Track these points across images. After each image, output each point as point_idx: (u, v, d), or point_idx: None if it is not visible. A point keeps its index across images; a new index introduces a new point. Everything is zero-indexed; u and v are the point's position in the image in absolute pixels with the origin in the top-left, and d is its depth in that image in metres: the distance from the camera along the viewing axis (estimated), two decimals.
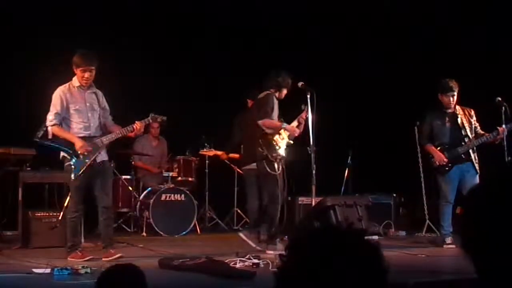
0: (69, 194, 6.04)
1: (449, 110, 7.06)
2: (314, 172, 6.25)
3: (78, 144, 5.85)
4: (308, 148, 6.41)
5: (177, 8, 9.45)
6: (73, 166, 5.81)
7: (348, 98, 9.60)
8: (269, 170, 6.47)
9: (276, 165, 6.46)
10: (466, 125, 7.01)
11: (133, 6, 9.23)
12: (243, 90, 8.04)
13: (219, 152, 8.81)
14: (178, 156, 9.07)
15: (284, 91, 6.69)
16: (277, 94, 6.66)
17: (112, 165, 8.79)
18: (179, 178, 8.93)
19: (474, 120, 7.05)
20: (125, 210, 8.93)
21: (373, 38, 9.65)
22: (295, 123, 6.78)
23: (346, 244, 1.20)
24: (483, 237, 1.13)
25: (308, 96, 6.36)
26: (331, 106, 7.67)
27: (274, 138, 6.52)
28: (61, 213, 6.75)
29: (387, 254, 1.23)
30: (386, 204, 8.70)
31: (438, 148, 7.07)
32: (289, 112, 7.56)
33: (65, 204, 6.69)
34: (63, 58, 6.80)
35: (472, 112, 7.07)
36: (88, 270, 4.98)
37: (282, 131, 6.57)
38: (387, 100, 9.47)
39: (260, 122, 6.51)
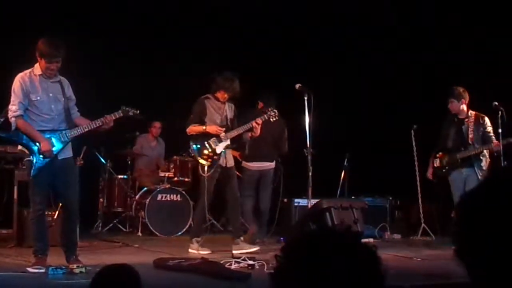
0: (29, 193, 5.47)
1: (460, 116, 7.18)
2: (310, 174, 6.25)
3: (45, 146, 5.28)
4: (304, 150, 6.41)
5: (176, 7, 9.45)
6: (35, 162, 5.27)
7: (345, 100, 9.61)
8: (200, 171, 6.64)
9: (206, 168, 6.56)
10: (471, 132, 7.08)
11: (133, 6, 9.23)
12: (242, 92, 8.05)
13: None
14: (175, 157, 9.06)
15: (219, 93, 6.71)
16: (218, 96, 6.71)
17: (108, 165, 8.82)
18: (175, 179, 8.92)
19: (484, 128, 7.06)
20: (120, 209, 8.92)
21: (372, 40, 9.66)
22: (246, 126, 6.74)
23: (343, 247, 1.20)
24: (474, 243, 1.12)
25: (306, 98, 6.36)
26: (328, 108, 7.69)
27: (206, 141, 6.60)
28: (56, 211, 6.74)
29: (382, 257, 1.23)
30: (382, 207, 8.71)
31: (440, 153, 7.32)
32: (287, 113, 7.57)
33: (60, 204, 6.67)
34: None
35: (485, 120, 7.09)
36: (83, 270, 4.98)
37: (221, 135, 6.62)
38: (384, 103, 9.48)
39: (187, 130, 6.69)
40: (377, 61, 9.56)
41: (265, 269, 5.22)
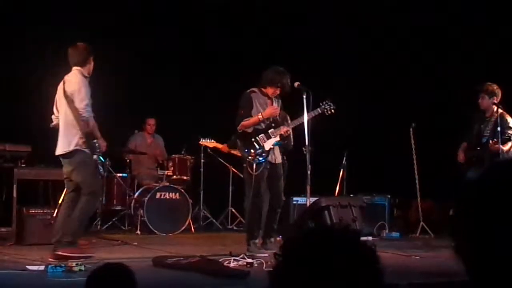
0: (89, 192, 5.77)
1: (486, 114, 6.99)
2: (309, 172, 6.24)
3: (104, 142, 5.84)
4: (303, 148, 6.39)
5: (173, 5, 9.45)
6: (99, 162, 5.85)
7: (344, 98, 9.59)
8: (249, 169, 6.34)
9: (255, 166, 6.27)
10: (488, 131, 6.91)
11: (132, 6, 9.23)
12: (241, 90, 8.05)
13: (219, 145, 8.75)
14: (174, 155, 9.07)
15: (270, 88, 6.41)
16: (267, 91, 6.42)
17: (107, 163, 8.82)
18: (174, 177, 8.92)
19: (502, 127, 6.77)
20: (119, 208, 8.92)
21: (371, 39, 9.66)
22: (297, 121, 6.46)
23: (342, 245, 1.20)
24: (474, 240, 1.12)
25: (304, 96, 6.34)
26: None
27: (254, 139, 6.37)
28: (56, 210, 6.74)
29: (381, 255, 1.24)
30: (381, 205, 8.71)
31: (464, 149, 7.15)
32: (286, 111, 7.56)
33: (60, 201, 6.67)
34: (55, 54, 6.83)
35: (505, 119, 6.85)
36: (82, 268, 4.98)
37: (270, 131, 6.42)
38: (383, 101, 9.49)
39: (238, 128, 6.38)
40: (376, 59, 9.57)
41: (263, 268, 5.22)
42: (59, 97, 5.88)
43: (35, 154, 7.45)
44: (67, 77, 5.87)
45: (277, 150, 6.49)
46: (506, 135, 6.79)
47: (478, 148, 6.95)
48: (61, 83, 5.89)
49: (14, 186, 7.06)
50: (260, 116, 6.31)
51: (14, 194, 7.05)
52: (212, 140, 8.61)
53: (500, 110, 6.89)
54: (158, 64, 9.36)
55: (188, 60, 9.52)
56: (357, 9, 9.41)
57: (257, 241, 6.35)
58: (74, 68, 5.82)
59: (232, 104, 8.17)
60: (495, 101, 6.89)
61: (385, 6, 9.31)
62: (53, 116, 6.00)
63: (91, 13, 8.81)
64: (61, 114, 5.84)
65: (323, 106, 6.47)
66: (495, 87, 6.93)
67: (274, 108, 6.35)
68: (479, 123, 7.06)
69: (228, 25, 9.61)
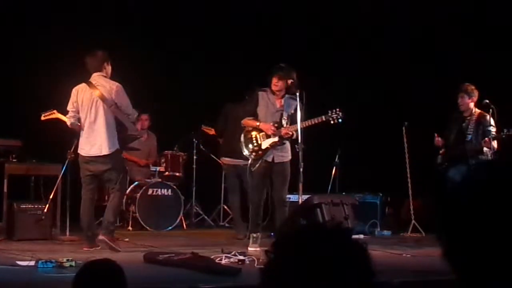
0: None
1: (465, 114, 7.20)
2: (301, 170, 6.24)
3: None
4: (296, 146, 6.39)
5: (174, 4, 9.44)
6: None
7: (336, 97, 9.61)
8: (249, 165, 6.45)
9: (249, 161, 6.39)
10: (471, 130, 7.09)
11: (131, 5, 9.22)
12: (236, 87, 8.06)
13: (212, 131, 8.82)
14: (166, 151, 9.04)
15: (272, 81, 6.38)
16: (272, 86, 6.41)
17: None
18: (166, 173, 8.91)
19: (484, 126, 6.96)
20: None
21: (365, 38, 9.67)
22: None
23: (334, 243, 1.19)
24: (464, 243, 1.10)
25: (297, 94, 6.34)
26: (320, 105, 7.69)
27: (254, 135, 6.41)
28: (47, 205, 6.72)
29: (372, 253, 1.24)
30: (373, 203, 8.72)
31: (443, 149, 7.34)
32: None
33: (51, 197, 6.66)
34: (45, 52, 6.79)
35: (486, 118, 6.99)
36: (73, 264, 4.96)
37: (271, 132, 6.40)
38: (376, 100, 9.50)
39: (241, 122, 6.56)
40: (370, 58, 9.57)
41: (255, 265, 5.22)
42: (87, 100, 6.11)
43: (27, 149, 7.42)
44: (97, 83, 6.11)
45: (279, 150, 6.42)
46: (491, 133, 6.93)
47: (461, 147, 7.09)
48: (86, 87, 6.11)
49: (5, 181, 7.03)
50: (257, 124, 6.42)
51: (5, 189, 7.02)
52: (212, 128, 8.73)
53: (478, 110, 7.13)
54: (153, 61, 9.33)
55: (184, 57, 9.50)
56: (354, 8, 9.42)
57: (255, 235, 6.33)
58: (97, 74, 6.13)
59: (224, 101, 8.21)
60: (474, 101, 7.12)
61: (384, 5, 9.30)
62: (71, 115, 6.19)
63: (88, 12, 8.78)
64: (99, 117, 6.09)
65: (329, 115, 6.37)
66: (473, 87, 7.15)
67: (271, 128, 6.35)
68: (458, 122, 7.25)
69: (226, 24, 9.59)
